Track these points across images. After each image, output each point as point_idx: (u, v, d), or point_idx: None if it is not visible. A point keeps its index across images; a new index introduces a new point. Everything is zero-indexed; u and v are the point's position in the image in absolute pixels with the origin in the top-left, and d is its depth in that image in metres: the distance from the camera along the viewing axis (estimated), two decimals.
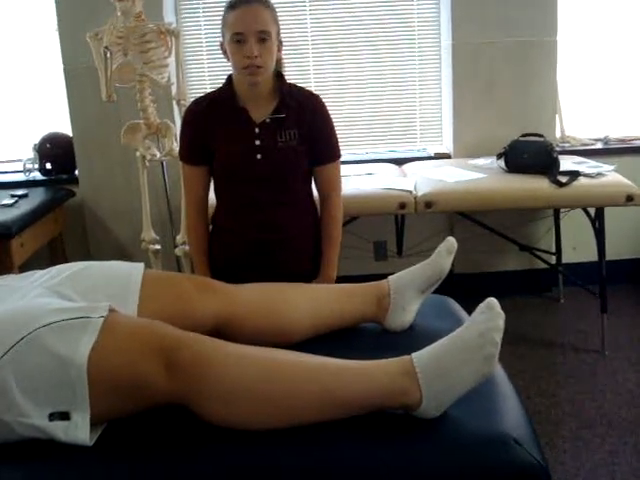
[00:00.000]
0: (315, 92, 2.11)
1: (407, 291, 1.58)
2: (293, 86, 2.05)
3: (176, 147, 3.01)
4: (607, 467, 2.37)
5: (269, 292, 1.59)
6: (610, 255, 3.25)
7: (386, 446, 1.16)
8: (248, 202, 2.03)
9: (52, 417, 1.17)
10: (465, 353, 1.16)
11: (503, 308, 1.19)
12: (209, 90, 3.42)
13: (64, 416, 1.17)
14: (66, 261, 3.62)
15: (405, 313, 1.58)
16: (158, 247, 3.09)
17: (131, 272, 1.48)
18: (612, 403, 2.77)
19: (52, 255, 3.62)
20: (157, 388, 1.19)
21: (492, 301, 1.17)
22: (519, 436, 1.15)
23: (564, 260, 3.81)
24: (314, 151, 2.04)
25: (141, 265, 1.52)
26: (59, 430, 1.17)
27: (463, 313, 1.73)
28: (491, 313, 1.16)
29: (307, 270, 2.10)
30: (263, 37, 1.88)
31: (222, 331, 1.49)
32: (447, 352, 1.18)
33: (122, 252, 3.70)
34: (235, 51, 1.90)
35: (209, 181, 2.10)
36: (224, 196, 2.09)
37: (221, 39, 1.99)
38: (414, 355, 1.21)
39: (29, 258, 3.23)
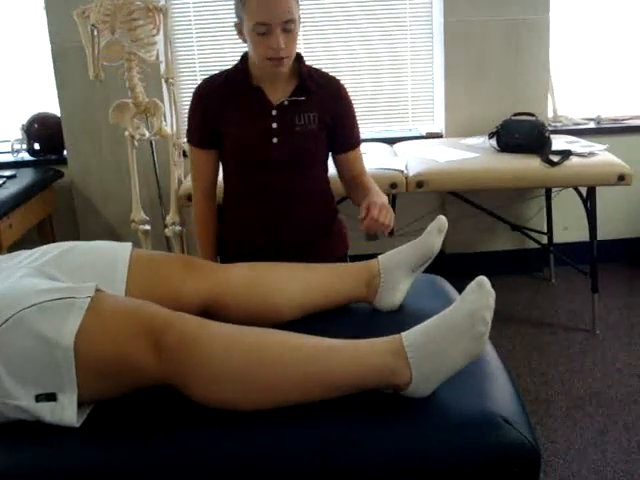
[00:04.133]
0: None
1: (397, 270, 1.57)
2: (313, 68, 1.94)
3: (165, 126, 2.98)
4: (597, 446, 2.38)
5: (258, 272, 1.57)
6: (601, 235, 3.25)
7: (374, 426, 1.15)
8: (261, 190, 1.92)
9: (39, 398, 1.16)
10: (455, 332, 1.15)
11: (494, 288, 1.18)
12: (198, 68, 3.35)
13: (51, 397, 1.16)
14: (55, 242, 3.59)
15: (395, 293, 1.57)
16: (148, 228, 3.07)
17: (118, 252, 1.46)
18: (602, 382, 2.78)
19: (41, 237, 3.60)
20: (145, 369, 1.18)
21: (482, 279, 1.16)
22: (509, 415, 1.15)
23: (555, 240, 3.81)
24: (337, 138, 1.95)
25: (129, 245, 1.50)
26: (46, 411, 1.16)
27: (454, 292, 1.73)
28: (481, 292, 1.15)
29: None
30: (289, 27, 1.72)
31: (210, 311, 1.48)
32: (437, 331, 1.17)
33: (112, 233, 3.67)
34: (258, 42, 1.73)
35: (218, 166, 2.00)
36: (235, 183, 1.98)
37: (236, 20, 1.82)
38: (404, 334, 1.20)
39: (18, 240, 3.20)
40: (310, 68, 1.92)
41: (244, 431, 1.15)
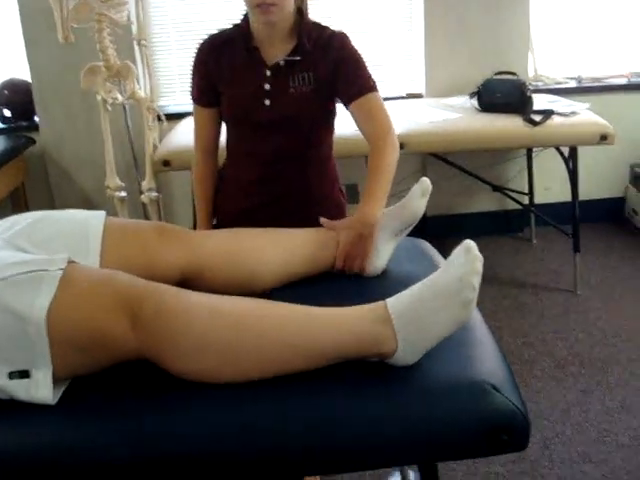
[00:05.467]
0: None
1: (381, 233, 1.53)
2: (315, 25, 1.82)
3: (138, 89, 2.90)
4: (580, 406, 2.39)
5: (238, 239, 1.52)
6: (582, 195, 3.23)
7: (359, 395, 1.12)
8: (252, 152, 1.85)
9: (12, 376, 1.11)
10: (442, 298, 1.11)
11: None
12: (172, 29, 3.26)
13: (24, 374, 1.11)
14: (28, 212, 3.51)
15: (378, 258, 1.53)
16: (124, 194, 3.00)
17: (91, 221, 1.39)
18: (584, 343, 2.79)
19: (14, 206, 3.52)
20: (121, 343, 1.13)
21: (469, 244, 1.12)
22: (497, 382, 1.12)
23: (536, 200, 3.80)
24: (343, 87, 1.77)
25: (102, 213, 1.43)
26: (20, 389, 1.11)
27: (438, 256, 1.69)
28: (468, 256, 1.11)
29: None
30: None
31: (189, 281, 1.43)
32: (423, 298, 1.13)
33: (87, 201, 3.60)
34: None
35: (220, 125, 1.92)
36: (231, 144, 1.91)
37: None
38: (388, 301, 1.16)
39: None
40: (312, 25, 1.81)
41: (228, 405, 1.12)
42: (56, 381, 1.13)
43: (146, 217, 3.23)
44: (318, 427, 1.10)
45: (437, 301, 1.12)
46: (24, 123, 3.59)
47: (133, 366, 1.18)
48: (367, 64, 1.81)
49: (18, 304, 1.10)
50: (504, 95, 3.06)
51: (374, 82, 1.79)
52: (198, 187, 1.96)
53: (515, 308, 3.10)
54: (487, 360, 1.18)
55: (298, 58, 1.77)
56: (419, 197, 1.51)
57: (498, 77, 3.23)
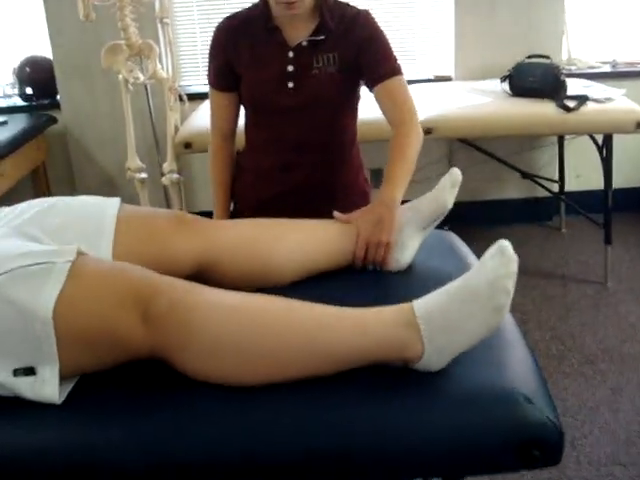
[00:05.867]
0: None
1: (406, 228, 1.46)
2: (337, 3, 1.73)
3: (160, 69, 2.84)
4: (609, 405, 2.31)
5: (255, 230, 1.45)
6: (615, 183, 3.11)
7: (379, 402, 1.05)
8: (273, 138, 1.77)
9: (17, 373, 1.06)
10: (473, 303, 1.04)
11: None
12: (195, 8, 3.19)
13: (29, 372, 1.06)
14: (49, 191, 3.49)
15: (404, 252, 1.46)
16: (144, 176, 2.95)
17: (105, 209, 1.33)
18: (614, 338, 2.70)
19: (35, 185, 3.49)
20: (132, 341, 1.08)
21: (503, 244, 1.05)
22: (529, 392, 1.04)
23: (567, 188, 3.69)
24: (368, 69, 1.70)
25: (117, 200, 1.37)
26: (25, 386, 1.06)
27: (465, 249, 1.61)
28: (503, 258, 1.04)
29: None
30: None
31: (204, 274, 1.37)
32: (453, 301, 1.06)
33: (108, 181, 3.56)
34: None
35: (238, 110, 1.85)
36: (250, 131, 1.83)
37: None
38: (415, 303, 1.09)
39: (11, 188, 3.09)
40: (334, 3, 1.73)
41: (242, 408, 1.06)
42: (63, 379, 1.08)
43: (167, 199, 3.18)
44: (334, 435, 1.03)
45: (468, 305, 1.05)
46: (45, 101, 3.54)
47: (144, 365, 1.13)
48: (392, 45, 1.73)
49: (24, 298, 1.05)
50: (537, 80, 2.95)
51: (399, 65, 1.72)
52: (215, 173, 1.89)
53: (543, 300, 3.01)
54: (518, 367, 1.11)
55: (322, 37, 1.69)
56: (449, 189, 1.43)
57: (530, 61, 3.11)
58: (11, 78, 3.57)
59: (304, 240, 1.44)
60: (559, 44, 3.53)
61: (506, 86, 3.08)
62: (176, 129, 2.93)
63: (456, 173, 1.44)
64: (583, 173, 3.74)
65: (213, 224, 1.44)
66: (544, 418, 1.03)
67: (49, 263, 1.08)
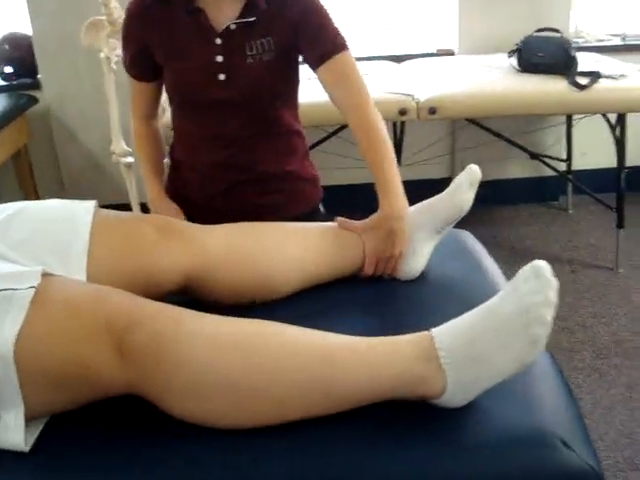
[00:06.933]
0: None
1: (419, 233, 1.31)
2: None
3: None
4: (625, 403, 2.18)
5: (249, 239, 1.29)
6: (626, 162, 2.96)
7: (398, 447, 0.92)
8: (207, 135, 1.57)
9: None
10: (504, 334, 0.89)
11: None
12: None
13: None
14: (32, 176, 3.32)
15: (417, 259, 1.31)
16: (130, 160, 2.78)
17: (78, 216, 1.17)
18: (628, 329, 2.57)
19: (17, 169, 3.31)
20: (107, 377, 0.93)
21: (540, 265, 0.90)
22: (567, 435, 0.91)
23: (574, 167, 3.54)
24: (308, 49, 1.50)
25: (91, 205, 1.21)
26: None
27: (481, 250, 1.47)
28: (539, 282, 0.89)
29: (304, 216, 1.62)
30: None
31: (192, 286, 1.22)
32: (480, 330, 0.91)
33: (94, 164, 3.38)
34: None
35: (160, 93, 1.66)
36: (180, 126, 1.63)
37: None
38: (435, 332, 0.95)
39: None
40: None
41: (229, 454, 0.92)
42: (30, 420, 0.94)
43: None
44: None
45: (498, 336, 0.90)
46: (27, 80, 3.35)
47: (122, 401, 0.98)
48: (333, 19, 1.51)
49: None
50: (547, 54, 2.78)
51: (343, 39, 1.50)
52: (141, 152, 1.70)
53: None
54: (554, 405, 0.97)
55: (253, 19, 1.46)
56: (467, 189, 1.28)
57: (540, 34, 2.93)
58: None
59: (304, 250, 1.29)
60: (567, 16, 3.35)
61: (514, 61, 2.91)
62: (163, 110, 2.75)
63: (474, 170, 1.29)
64: (589, 151, 3.59)
65: (201, 231, 1.28)
66: (584, 465, 0.89)
67: (8, 290, 0.92)
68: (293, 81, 1.60)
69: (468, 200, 1.30)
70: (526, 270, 0.91)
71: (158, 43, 1.51)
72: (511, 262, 2.83)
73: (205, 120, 1.55)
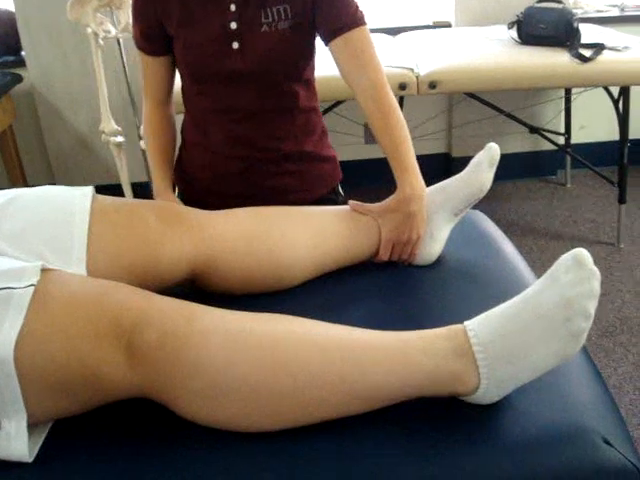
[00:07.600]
0: None
1: (436, 216, 1.25)
2: None
3: None
4: (634, 382, 2.14)
5: (260, 225, 1.22)
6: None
7: (430, 450, 0.86)
8: (220, 109, 1.49)
9: None
10: (544, 328, 0.84)
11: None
12: None
13: None
14: (18, 157, 3.22)
15: (433, 243, 1.25)
16: (121, 139, 2.70)
17: (75, 203, 1.09)
18: (632, 305, 2.53)
19: (3, 150, 3.21)
20: (115, 381, 0.87)
21: (582, 254, 0.84)
22: (607, 431, 0.86)
23: (572, 141, 3.48)
24: (324, 20, 1.41)
25: (88, 191, 1.13)
26: None
27: (499, 234, 1.42)
28: (581, 272, 0.83)
29: (322, 199, 1.57)
30: None
31: (200, 275, 1.15)
32: (518, 325, 0.85)
33: (82, 144, 3.28)
34: None
35: (174, 72, 1.58)
36: (191, 100, 1.55)
37: None
38: (468, 325, 0.88)
39: None
40: None
41: (250, 461, 0.85)
42: (34, 428, 0.87)
43: (146, 165, 2.93)
44: None
45: (537, 329, 0.84)
46: (10, 58, 3.24)
47: (131, 404, 0.92)
48: None
49: None
50: (549, 26, 2.70)
51: (362, 14, 1.42)
52: (150, 139, 1.59)
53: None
54: (593, 401, 0.92)
55: None
56: (486, 168, 1.22)
57: (541, 5, 2.85)
58: None
59: (317, 235, 1.22)
60: None
61: (514, 33, 2.83)
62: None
63: (494, 148, 1.23)
64: (588, 124, 3.53)
65: (208, 217, 1.21)
66: (625, 462, 0.84)
67: (6, 289, 0.85)
68: (307, 57, 1.51)
69: (488, 180, 1.23)
70: (567, 259, 0.85)
71: (170, 13, 1.43)
72: (512, 239, 2.78)
73: (218, 93, 1.47)
